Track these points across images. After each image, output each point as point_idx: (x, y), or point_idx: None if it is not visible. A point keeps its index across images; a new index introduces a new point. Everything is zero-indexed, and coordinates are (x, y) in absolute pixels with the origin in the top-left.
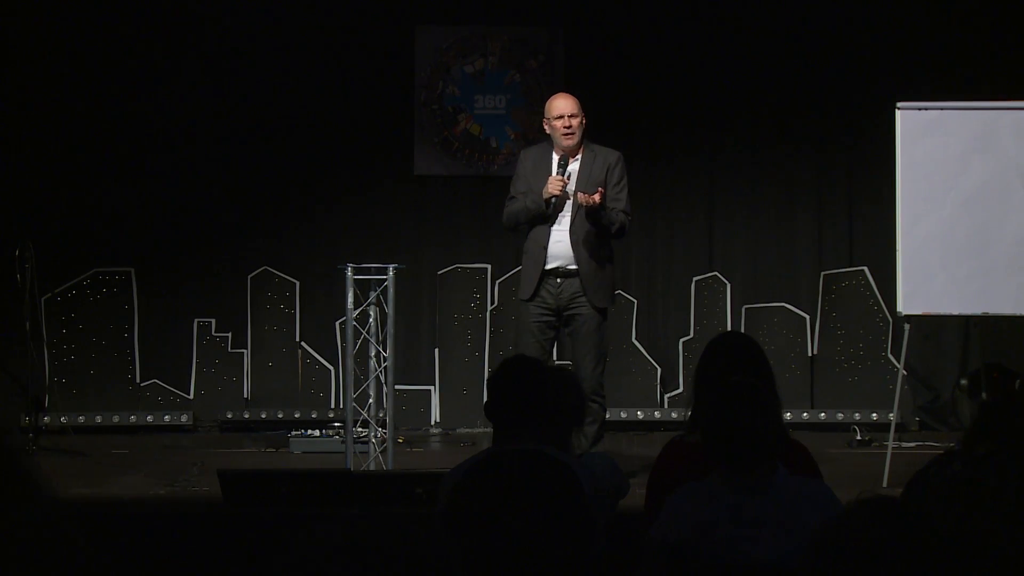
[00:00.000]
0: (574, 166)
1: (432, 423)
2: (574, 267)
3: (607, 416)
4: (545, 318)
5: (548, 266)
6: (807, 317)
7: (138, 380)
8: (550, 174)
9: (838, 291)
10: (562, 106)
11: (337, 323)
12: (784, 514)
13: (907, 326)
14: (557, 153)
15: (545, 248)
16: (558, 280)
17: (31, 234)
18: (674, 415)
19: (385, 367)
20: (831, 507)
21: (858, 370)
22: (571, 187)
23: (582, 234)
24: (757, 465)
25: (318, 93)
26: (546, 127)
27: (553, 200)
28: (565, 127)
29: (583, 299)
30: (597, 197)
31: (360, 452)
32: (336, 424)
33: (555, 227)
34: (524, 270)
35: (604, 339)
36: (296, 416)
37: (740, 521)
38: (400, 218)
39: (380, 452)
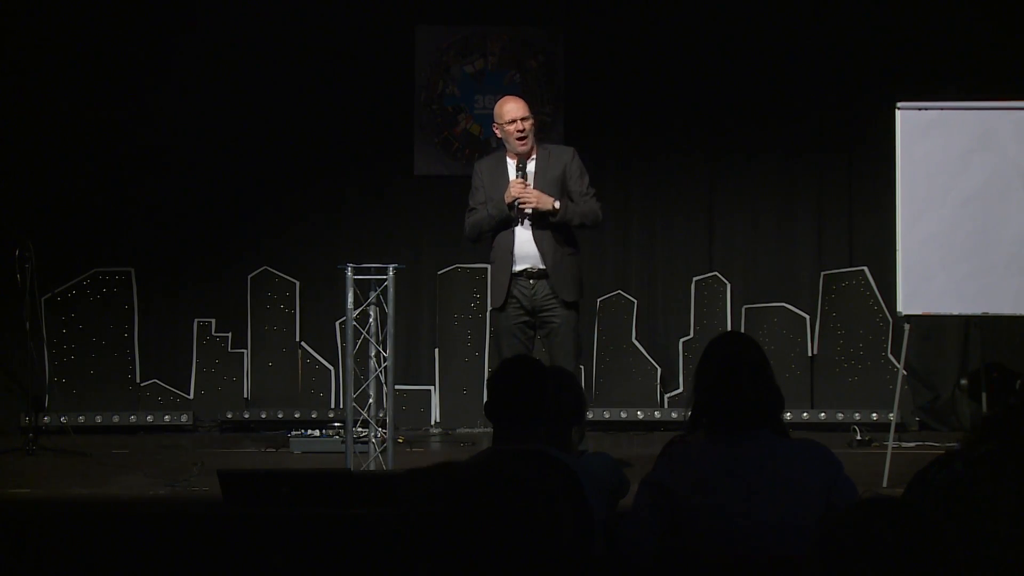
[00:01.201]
0: (531, 167)
1: (432, 423)
2: (543, 266)
3: (606, 416)
4: (522, 319)
5: (516, 268)
6: (807, 317)
7: (138, 380)
8: (508, 180)
9: (838, 291)
10: (514, 110)
11: (337, 323)
12: (778, 463)
13: (907, 326)
14: (510, 158)
15: (512, 252)
16: (531, 281)
17: (31, 234)
18: (674, 415)
19: (385, 367)
20: (826, 457)
21: (858, 370)
22: (530, 188)
23: (544, 232)
24: (754, 424)
25: (318, 93)
26: (497, 131)
27: (516, 204)
28: (518, 131)
29: (555, 300)
30: (531, 206)
31: (360, 452)
32: (336, 424)
33: (519, 229)
34: (493, 278)
35: (580, 337)
36: (296, 416)
37: (735, 472)
38: (400, 218)
39: (380, 452)
